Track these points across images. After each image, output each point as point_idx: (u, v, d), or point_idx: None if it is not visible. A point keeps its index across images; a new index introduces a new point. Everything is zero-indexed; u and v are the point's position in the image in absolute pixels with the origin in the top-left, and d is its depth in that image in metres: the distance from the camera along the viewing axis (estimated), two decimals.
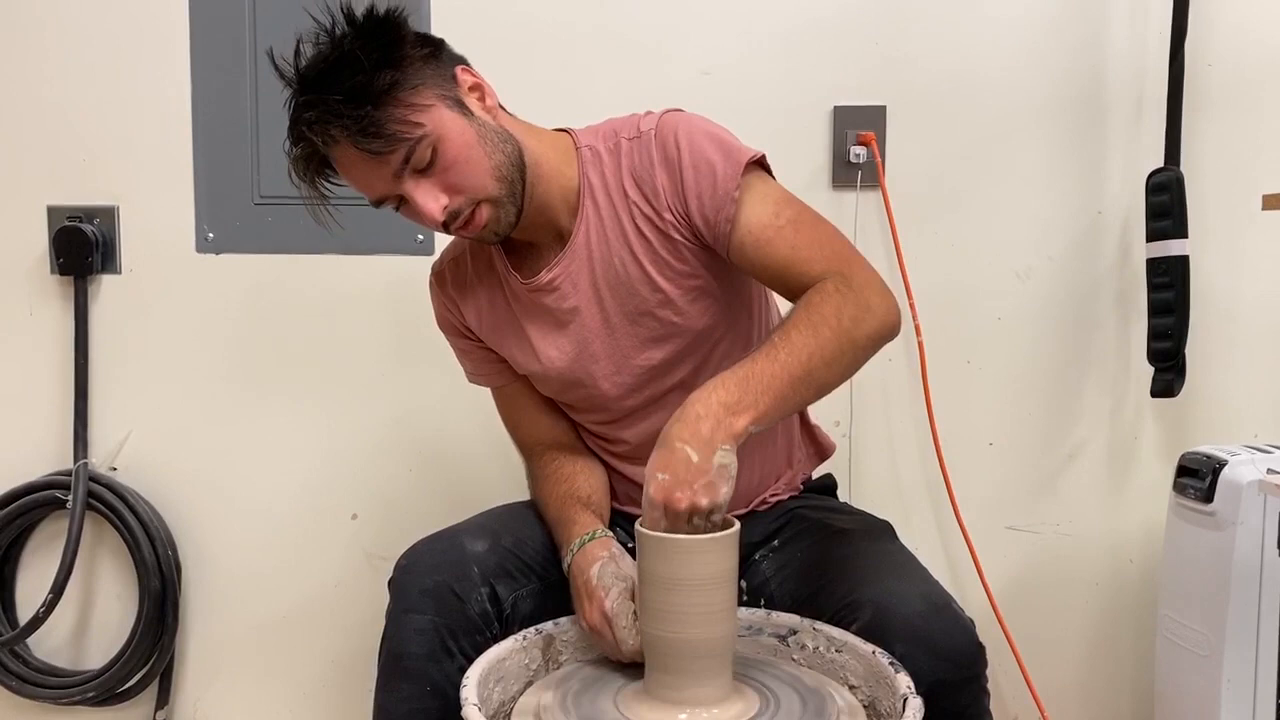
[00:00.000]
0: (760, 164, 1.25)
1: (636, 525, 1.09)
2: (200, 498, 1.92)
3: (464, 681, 1.11)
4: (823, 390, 1.14)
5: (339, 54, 1.14)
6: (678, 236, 1.26)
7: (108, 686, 1.86)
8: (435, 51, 1.23)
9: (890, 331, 1.17)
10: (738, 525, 1.08)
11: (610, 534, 1.28)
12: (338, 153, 1.19)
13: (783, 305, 1.25)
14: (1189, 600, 1.64)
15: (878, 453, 1.90)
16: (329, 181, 1.24)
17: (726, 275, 1.30)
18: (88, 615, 1.95)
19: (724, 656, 1.09)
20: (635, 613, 1.13)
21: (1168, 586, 1.69)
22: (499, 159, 1.22)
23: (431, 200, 1.19)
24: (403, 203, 1.22)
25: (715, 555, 1.05)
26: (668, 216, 1.25)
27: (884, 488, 1.89)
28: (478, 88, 1.25)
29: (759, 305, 1.39)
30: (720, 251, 1.25)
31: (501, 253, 1.37)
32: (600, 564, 1.21)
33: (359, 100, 1.13)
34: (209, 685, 1.96)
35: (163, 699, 1.93)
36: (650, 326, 1.30)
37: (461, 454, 1.91)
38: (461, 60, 1.27)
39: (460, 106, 1.21)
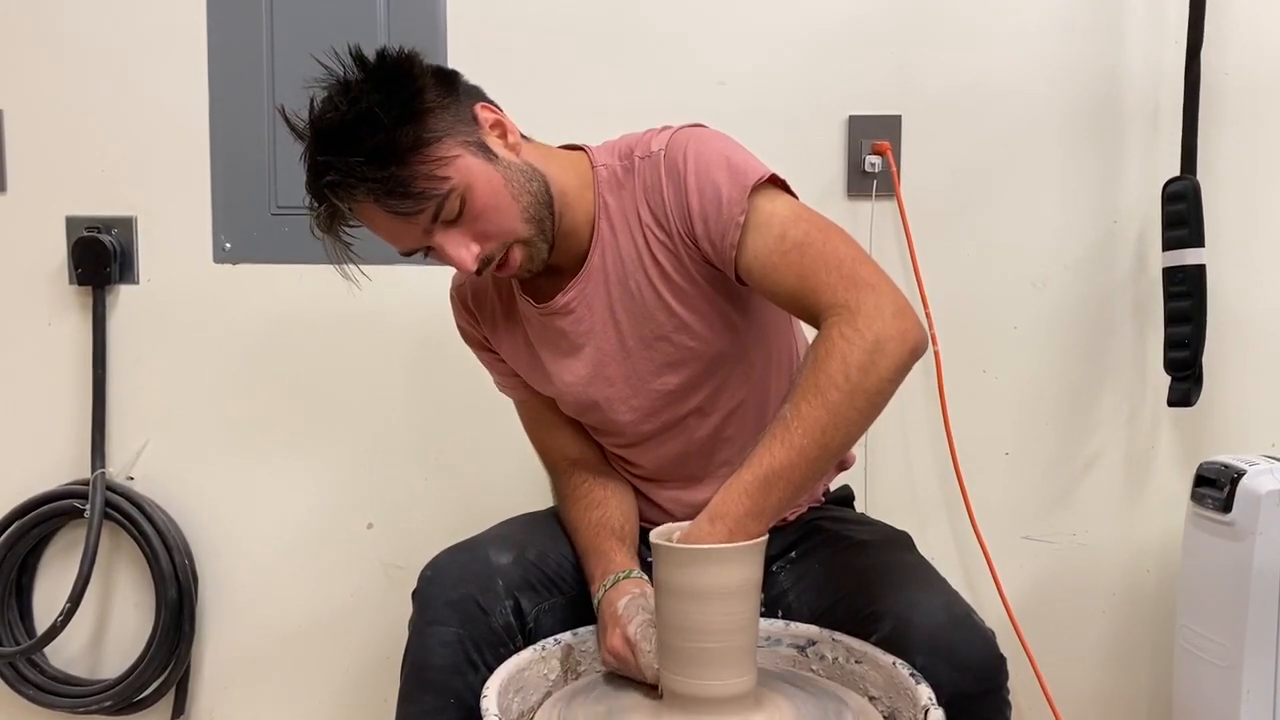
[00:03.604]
0: (773, 181, 1.20)
1: (652, 536, 1.09)
2: (217, 507, 1.92)
3: (484, 692, 1.11)
4: (844, 451, 1.11)
5: (356, 112, 1.10)
6: (689, 260, 1.23)
7: (124, 695, 1.86)
8: (453, 91, 1.19)
9: (910, 357, 1.09)
10: (764, 536, 1.07)
11: (644, 576, 1.26)
12: (362, 212, 1.17)
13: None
14: (1208, 611, 1.62)
15: (893, 462, 1.89)
16: (352, 226, 1.21)
17: (743, 299, 1.28)
18: (104, 624, 1.95)
19: (745, 668, 1.08)
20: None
21: (1186, 597, 1.68)
22: (527, 200, 1.20)
23: (463, 249, 1.18)
24: (431, 250, 1.20)
25: (737, 565, 1.05)
26: (678, 240, 1.22)
27: (900, 498, 1.88)
28: (499, 125, 1.22)
29: (779, 328, 1.36)
30: (730, 274, 1.21)
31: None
32: (630, 598, 1.20)
33: (382, 161, 1.11)
34: (225, 695, 1.96)
35: (179, 708, 1.92)
36: (666, 351, 1.28)
37: (478, 463, 1.90)
38: (478, 94, 1.25)
39: (484, 151, 1.18)
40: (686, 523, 1.10)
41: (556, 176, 1.24)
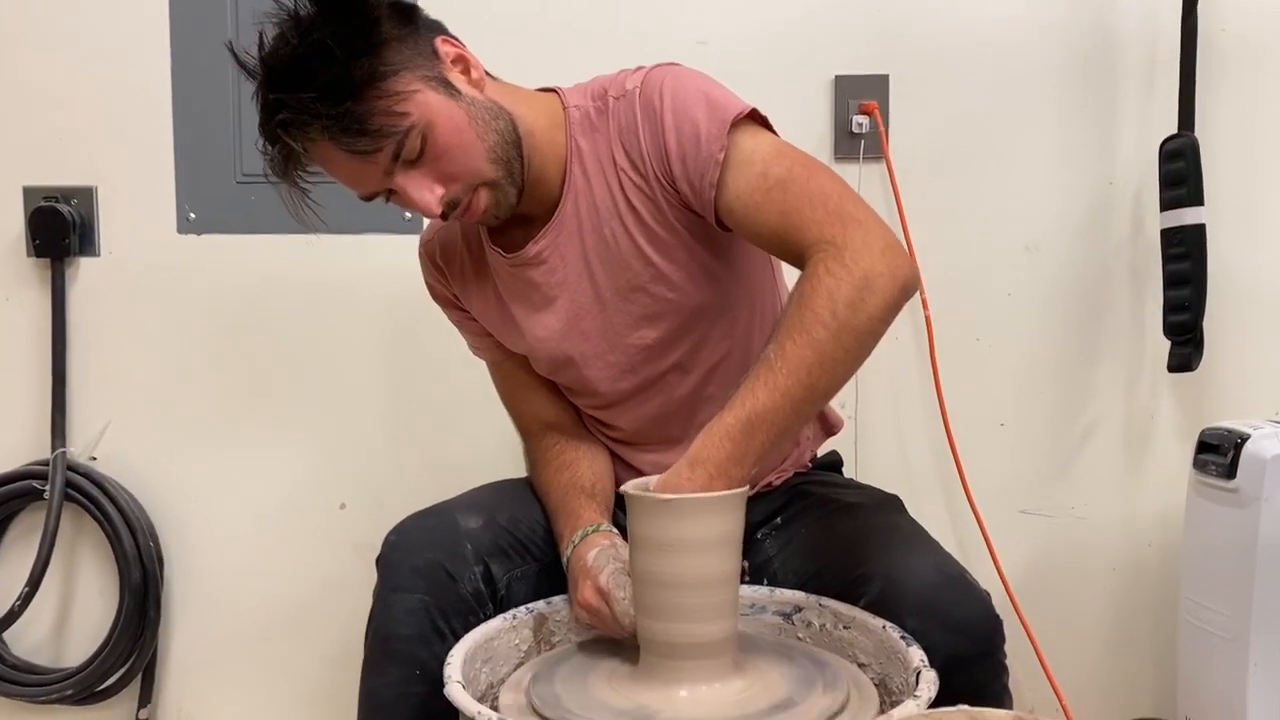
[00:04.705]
0: (753, 118, 1.15)
1: (623, 488, 1.04)
2: (183, 488, 1.87)
3: (448, 659, 1.07)
4: (831, 394, 1.07)
5: (308, 44, 1.05)
6: (667, 205, 1.18)
7: (86, 684, 1.80)
8: (411, 23, 1.14)
9: (901, 295, 1.04)
10: (746, 487, 1.02)
11: (614, 529, 1.22)
12: (318, 152, 1.11)
13: (790, 274, 1.17)
14: (1212, 582, 1.58)
15: (884, 435, 1.85)
16: (309, 172, 1.16)
17: (724, 248, 1.23)
18: (68, 611, 1.89)
19: (725, 628, 1.03)
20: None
21: (1189, 568, 1.63)
22: (492, 139, 1.14)
23: (426, 192, 1.12)
24: (393, 193, 1.15)
25: (716, 515, 1.00)
26: (655, 184, 1.17)
27: (891, 471, 1.83)
28: (461, 59, 1.17)
29: (762, 280, 1.31)
30: (709, 219, 1.16)
31: (484, 227, 1.29)
32: (599, 549, 1.16)
33: (337, 96, 1.05)
34: (194, 683, 1.90)
35: (145, 698, 1.86)
36: (643, 303, 1.23)
37: (455, 441, 1.85)
38: (439, 28, 1.19)
39: (446, 86, 1.13)
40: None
41: (525, 116, 1.18)
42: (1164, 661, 1.83)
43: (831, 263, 1.03)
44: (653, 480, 1.04)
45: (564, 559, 1.21)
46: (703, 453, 1.01)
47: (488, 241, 1.29)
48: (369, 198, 1.16)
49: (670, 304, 1.22)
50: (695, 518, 0.99)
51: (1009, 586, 1.77)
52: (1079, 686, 1.83)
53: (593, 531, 1.19)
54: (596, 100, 1.21)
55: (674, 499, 0.99)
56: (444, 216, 1.15)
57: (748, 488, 1.02)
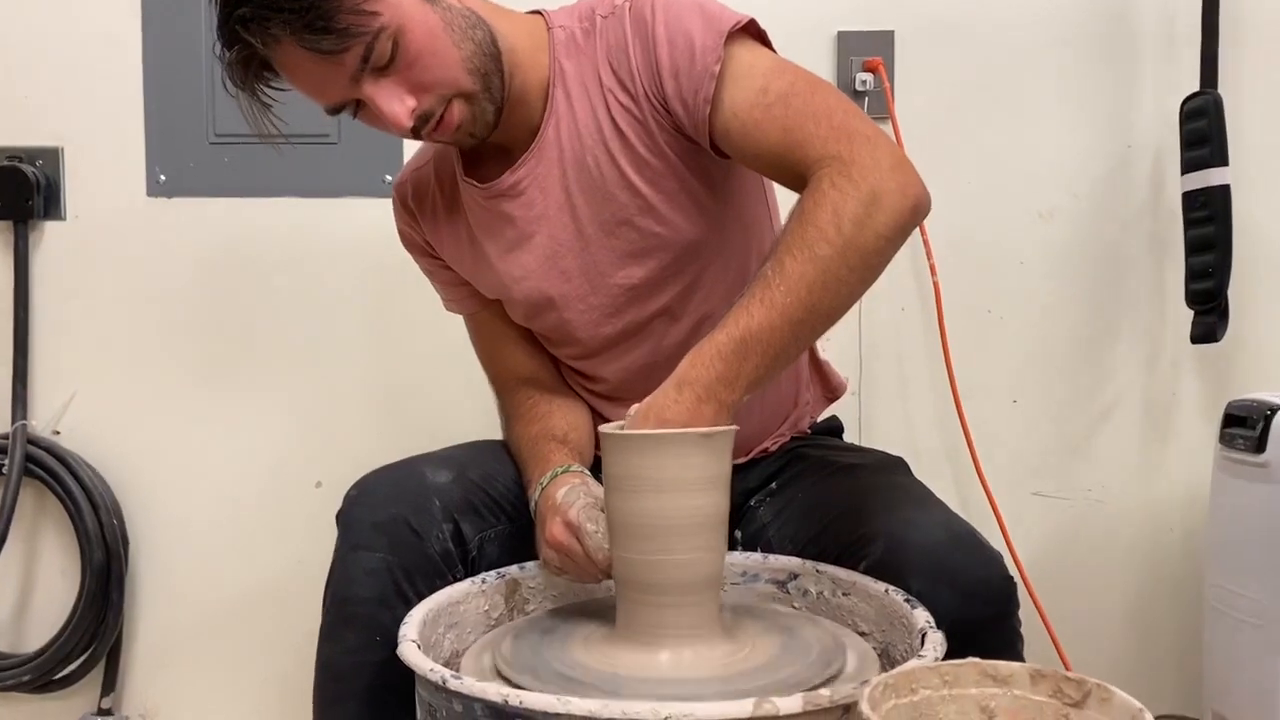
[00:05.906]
0: (750, 31, 1.09)
1: (601, 429, 0.96)
2: (151, 465, 1.80)
3: (405, 619, 0.98)
4: (833, 318, 0.99)
5: None
6: (658, 129, 1.10)
7: (44, 669, 1.71)
8: None
9: (911, 215, 0.98)
10: (734, 426, 0.94)
11: (586, 471, 1.14)
12: (281, 54, 1.03)
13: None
14: (1240, 564, 1.50)
15: (890, 410, 1.79)
16: (274, 86, 1.08)
17: (717, 179, 1.15)
18: (29, 593, 1.81)
19: (709, 582, 0.94)
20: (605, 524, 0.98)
21: (1216, 551, 1.56)
22: (469, 48, 1.07)
23: (396, 102, 1.05)
24: (361, 107, 1.07)
25: (699, 454, 0.91)
26: (645, 105, 1.10)
27: (898, 449, 1.70)
28: None
29: (759, 222, 1.23)
30: (703, 142, 1.09)
31: (458, 156, 1.21)
32: (569, 487, 1.08)
33: None
34: (160, 670, 1.82)
35: (108, 685, 1.78)
36: (629, 238, 1.15)
37: (436, 415, 1.77)
38: None
39: None
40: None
41: (505, 32, 1.11)
42: (1188, 650, 1.75)
43: (837, 177, 0.97)
44: (635, 409, 0.95)
45: (531, 504, 1.12)
46: (691, 373, 0.94)
47: (461, 174, 1.21)
48: (335, 110, 1.09)
49: (658, 240, 1.14)
50: (676, 454, 0.90)
51: (1024, 573, 1.70)
52: (1098, 677, 1.73)
53: (562, 472, 1.11)
54: (584, 21, 1.14)
55: (651, 434, 0.91)
56: (415, 132, 1.07)
57: (735, 428, 0.94)
